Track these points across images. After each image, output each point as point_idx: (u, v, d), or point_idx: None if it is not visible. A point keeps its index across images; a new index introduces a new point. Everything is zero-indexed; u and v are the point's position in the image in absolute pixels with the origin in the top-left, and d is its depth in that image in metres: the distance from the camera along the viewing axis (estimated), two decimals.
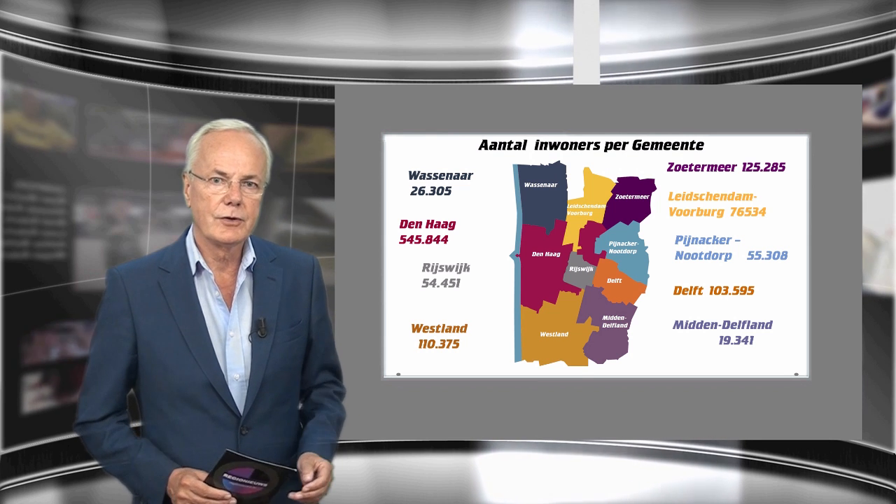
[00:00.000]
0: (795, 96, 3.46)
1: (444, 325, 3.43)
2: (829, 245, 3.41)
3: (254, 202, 2.10)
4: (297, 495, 2.02)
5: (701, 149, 3.43)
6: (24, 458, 4.53)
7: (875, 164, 4.34)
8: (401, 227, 3.44)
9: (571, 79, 3.99)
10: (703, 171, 3.43)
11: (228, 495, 1.98)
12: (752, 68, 4.89)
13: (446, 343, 3.44)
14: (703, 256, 3.43)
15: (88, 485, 4.63)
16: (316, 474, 2.04)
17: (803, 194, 3.43)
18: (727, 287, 3.42)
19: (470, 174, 3.43)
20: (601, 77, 4.09)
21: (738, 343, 3.42)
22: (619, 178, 3.42)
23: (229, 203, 2.07)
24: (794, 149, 3.42)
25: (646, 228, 3.42)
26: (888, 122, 4.40)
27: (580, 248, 3.41)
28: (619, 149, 3.42)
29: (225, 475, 1.97)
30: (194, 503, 1.99)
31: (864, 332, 3.45)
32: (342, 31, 5.17)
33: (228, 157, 2.08)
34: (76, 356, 4.71)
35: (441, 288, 3.44)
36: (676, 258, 3.42)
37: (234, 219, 2.08)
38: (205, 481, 1.99)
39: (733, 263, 3.43)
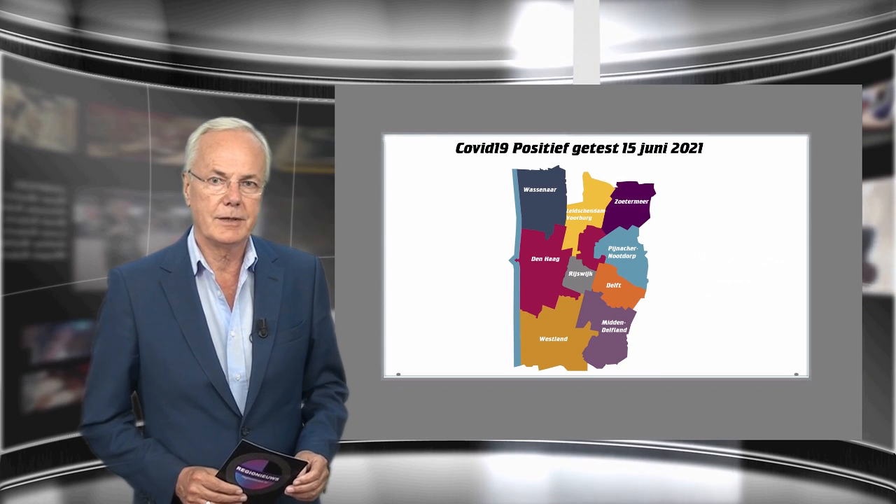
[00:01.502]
0: (795, 96, 3.46)
1: (443, 329, 3.43)
2: (829, 245, 3.41)
3: (253, 201, 2.10)
4: (289, 489, 2.02)
5: (700, 150, 3.43)
6: (24, 458, 4.53)
7: (875, 163, 4.34)
8: (401, 227, 3.44)
9: (571, 79, 3.99)
10: (701, 172, 3.43)
11: (240, 490, 1.98)
12: (752, 68, 4.89)
13: (446, 345, 3.44)
14: (702, 258, 3.42)
15: (88, 485, 4.63)
16: (308, 470, 2.04)
17: (803, 194, 3.42)
18: (727, 287, 3.42)
19: (469, 178, 3.43)
20: (601, 77, 4.09)
21: (739, 343, 3.42)
22: (618, 183, 3.41)
23: (228, 203, 2.07)
24: (794, 149, 3.42)
25: (645, 233, 3.42)
26: (888, 122, 4.40)
27: (579, 252, 3.41)
28: (618, 153, 3.42)
29: (238, 469, 1.97)
30: (205, 497, 1.99)
31: (864, 332, 3.45)
32: (342, 31, 5.18)
33: (227, 157, 2.08)
34: (77, 356, 4.72)
35: (441, 291, 3.44)
36: (675, 261, 3.42)
37: (233, 219, 2.08)
38: (217, 475, 1.99)
39: (733, 264, 3.43)
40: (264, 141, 2.16)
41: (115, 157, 4.90)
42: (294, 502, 2.07)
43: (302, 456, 2.07)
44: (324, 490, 2.10)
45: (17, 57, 4.51)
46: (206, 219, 2.08)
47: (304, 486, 2.03)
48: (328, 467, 2.10)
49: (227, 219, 2.07)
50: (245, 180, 2.08)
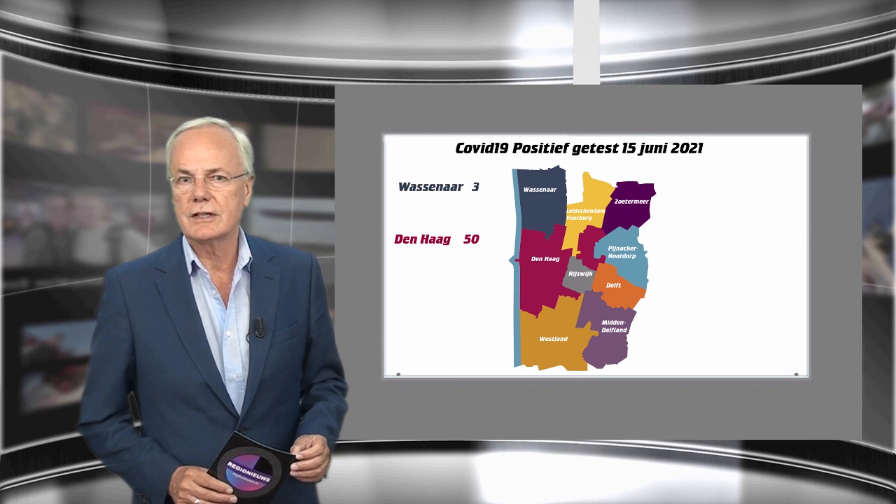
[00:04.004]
0: (795, 96, 3.45)
1: (443, 329, 3.43)
2: (829, 245, 3.41)
3: (225, 195, 2.09)
4: (294, 466, 2.02)
5: (700, 150, 3.43)
6: (24, 458, 4.53)
7: (875, 163, 4.34)
8: (400, 227, 3.44)
9: (571, 79, 3.99)
10: (701, 172, 3.43)
11: (230, 489, 1.98)
12: (752, 68, 4.89)
13: (446, 345, 3.44)
14: (702, 258, 3.42)
15: (88, 485, 4.63)
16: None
17: (803, 194, 3.42)
18: (727, 287, 3.42)
19: (469, 178, 3.43)
20: (601, 77, 4.09)
21: (739, 343, 3.42)
22: (618, 183, 3.41)
23: (195, 200, 2.07)
24: (794, 149, 3.42)
25: (645, 233, 3.42)
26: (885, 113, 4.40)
27: (579, 252, 3.41)
28: (618, 153, 3.42)
29: (229, 465, 1.97)
30: (195, 493, 1.99)
31: (864, 332, 3.45)
32: (342, 31, 5.17)
33: (189, 155, 2.07)
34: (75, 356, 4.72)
35: (440, 290, 3.43)
36: (675, 261, 3.42)
37: (205, 214, 2.07)
38: (209, 471, 1.99)
39: (733, 264, 3.42)
40: (238, 134, 2.15)
41: (115, 158, 4.91)
42: (292, 497, 2.08)
43: (300, 440, 2.08)
44: (325, 475, 2.10)
45: (17, 57, 4.51)
46: (182, 219, 2.10)
47: (307, 463, 2.03)
48: (328, 456, 2.10)
49: (199, 215, 2.07)
50: (212, 174, 2.08)
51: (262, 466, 1.99)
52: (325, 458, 2.08)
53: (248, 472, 1.98)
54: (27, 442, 4.54)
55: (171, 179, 2.11)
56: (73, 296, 4.71)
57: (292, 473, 2.03)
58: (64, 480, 4.67)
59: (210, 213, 2.07)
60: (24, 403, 4.53)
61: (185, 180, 2.08)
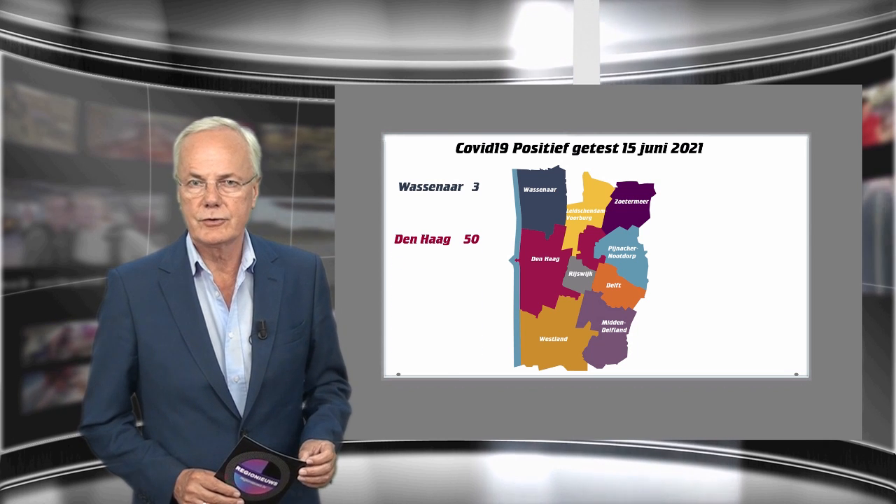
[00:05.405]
0: (795, 96, 3.46)
1: (443, 329, 3.43)
2: (829, 245, 3.41)
3: (236, 200, 2.07)
4: (302, 471, 2.02)
5: (700, 150, 3.43)
6: (24, 458, 4.53)
7: (875, 163, 4.34)
8: (400, 228, 3.44)
9: (571, 79, 3.99)
10: (701, 172, 3.43)
11: (237, 493, 1.98)
12: (752, 68, 4.89)
13: (446, 345, 3.44)
14: (702, 258, 3.42)
15: (88, 485, 4.63)
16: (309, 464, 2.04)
17: (803, 194, 3.42)
18: (727, 287, 3.42)
19: (469, 178, 3.43)
20: (601, 77, 4.09)
21: (739, 343, 3.42)
22: (618, 183, 3.41)
23: (207, 205, 2.06)
24: (794, 149, 3.42)
25: (645, 233, 3.42)
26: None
27: (579, 252, 3.41)
28: (618, 153, 3.42)
29: (237, 469, 1.97)
30: (202, 497, 1.98)
31: (864, 332, 3.45)
32: (342, 31, 5.18)
33: (201, 159, 2.05)
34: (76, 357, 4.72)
35: (440, 290, 3.44)
36: (675, 261, 3.42)
37: (215, 219, 2.06)
38: (216, 474, 1.98)
39: (733, 264, 3.42)
40: (248, 137, 2.13)
41: (115, 157, 4.91)
42: (294, 498, 2.08)
43: (306, 445, 2.07)
44: (330, 481, 2.09)
45: (17, 57, 4.51)
46: (191, 222, 2.08)
47: (316, 469, 2.02)
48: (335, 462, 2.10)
49: (209, 220, 2.07)
50: (223, 179, 2.06)
51: (269, 470, 1.98)
52: (332, 464, 2.08)
53: (256, 476, 1.98)
54: (27, 442, 4.54)
55: (178, 179, 2.11)
56: (74, 296, 4.71)
57: (300, 478, 2.02)
58: (64, 480, 4.67)
59: (221, 218, 2.07)
60: (24, 403, 4.53)
61: (196, 183, 2.06)
